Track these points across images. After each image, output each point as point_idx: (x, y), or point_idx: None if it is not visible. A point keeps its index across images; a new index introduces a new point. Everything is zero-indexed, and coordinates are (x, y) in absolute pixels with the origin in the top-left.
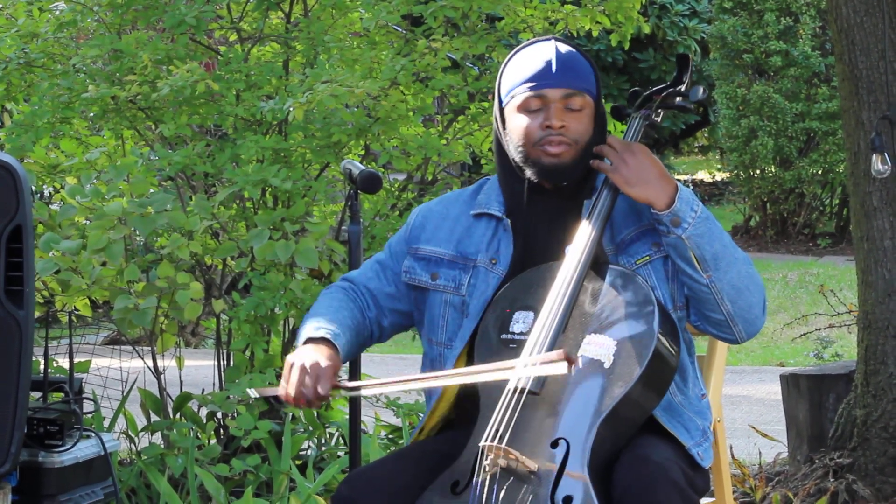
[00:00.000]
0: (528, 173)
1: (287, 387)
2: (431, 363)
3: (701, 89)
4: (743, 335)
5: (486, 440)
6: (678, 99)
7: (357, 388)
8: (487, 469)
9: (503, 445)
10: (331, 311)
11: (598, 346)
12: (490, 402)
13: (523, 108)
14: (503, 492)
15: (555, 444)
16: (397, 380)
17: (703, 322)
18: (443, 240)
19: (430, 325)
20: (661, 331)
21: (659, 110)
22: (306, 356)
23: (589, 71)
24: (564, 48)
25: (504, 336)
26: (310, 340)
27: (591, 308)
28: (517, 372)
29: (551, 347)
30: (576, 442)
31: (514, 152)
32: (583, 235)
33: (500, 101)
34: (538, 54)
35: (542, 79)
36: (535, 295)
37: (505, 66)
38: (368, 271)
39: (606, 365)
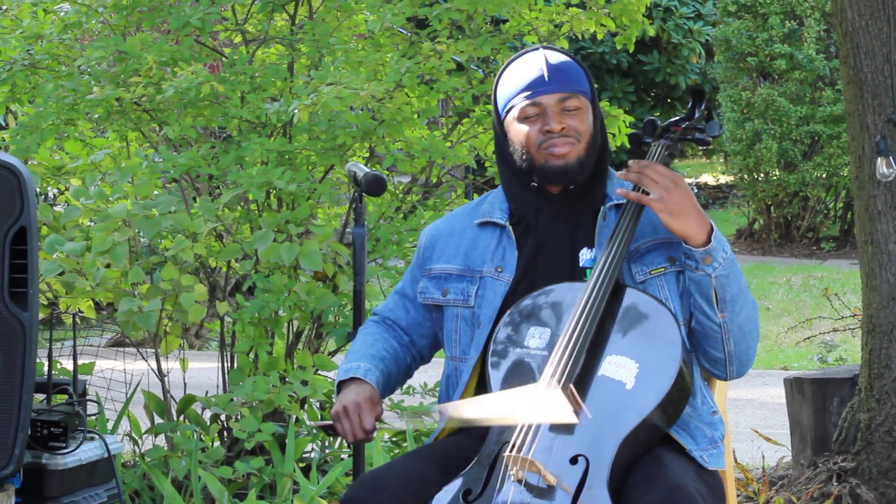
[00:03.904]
0: (537, 178)
1: (340, 432)
2: (447, 379)
3: (718, 125)
4: (734, 374)
5: (511, 451)
6: (697, 133)
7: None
8: (511, 479)
9: (529, 457)
10: (364, 347)
11: (620, 368)
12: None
13: (522, 117)
14: None
15: (574, 461)
16: (441, 412)
17: (700, 356)
18: (451, 255)
19: (446, 342)
20: (685, 356)
21: (678, 143)
22: (343, 399)
23: (580, 73)
24: (554, 55)
25: (519, 350)
26: (341, 384)
27: (611, 328)
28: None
29: (573, 371)
30: (595, 460)
31: (520, 160)
32: (605, 260)
33: (499, 114)
34: (529, 64)
35: (536, 86)
36: (553, 313)
37: (498, 79)
38: (390, 303)
39: (628, 387)
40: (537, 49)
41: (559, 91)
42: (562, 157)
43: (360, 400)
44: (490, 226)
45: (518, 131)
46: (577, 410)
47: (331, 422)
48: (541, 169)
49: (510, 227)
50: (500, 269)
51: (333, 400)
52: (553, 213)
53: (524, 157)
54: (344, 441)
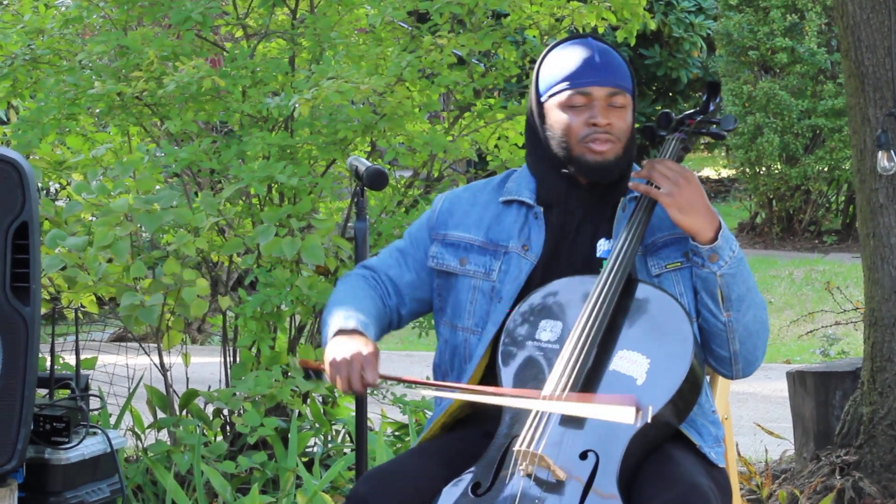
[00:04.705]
0: (572, 169)
1: (336, 381)
2: (454, 349)
3: (733, 118)
4: (740, 374)
5: (520, 445)
6: (713, 127)
7: (402, 380)
8: (520, 474)
9: (539, 452)
10: (355, 301)
11: (631, 363)
12: (513, 407)
13: (567, 105)
14: (530, 499)
15: (584, 456)
16: (448, 385)
17: (707, 354)
18: (472, 226)
19: (454, 311)
20: (696, 351)
21: (693, 137)
22: (346, 348)
23: (626, 69)
24: (603, 46)
25: (531, 343)
26: (341, 332)
27: (623, 323)
28: (579, 409)
29: (585, 366)
30: (605, 455)
31: (558, 148)
32: (618, 253)
33: (539, 96)
34: (579, 51)
35: (586, 76)
36: (565, 306)
37: (542, 60)
38: (388, 259)
39: (639, 382)
40: (585, 38)
41: (609, 84)
42: (600, 154)
43: (366, 353)
44: (516, 204)
45: (560, 118)
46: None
47: (321, 365)
48: (577, 160)
49: (539, 208)
50: (526, 248)
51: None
52: (580, 202)
53: (563, 145)
54: (349, 435)
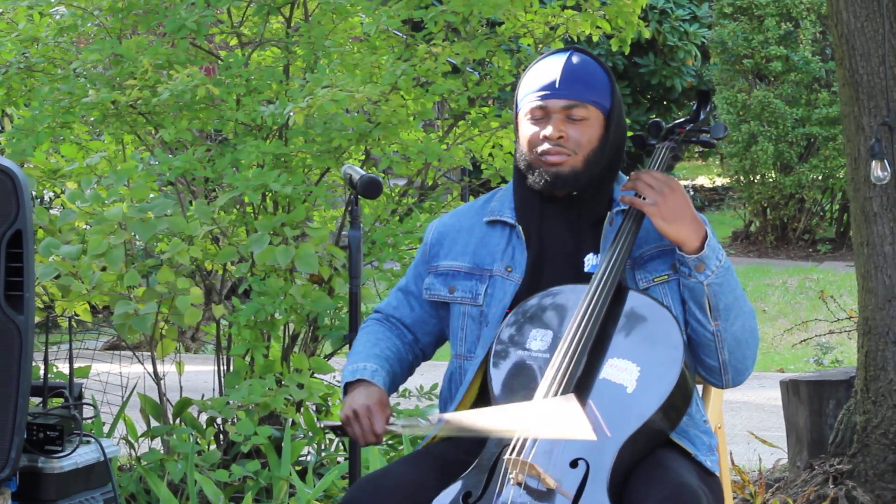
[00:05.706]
0: (531, 181)
1: (351, 435)
2: (451, 376)
3: (723, 126)
4: (729, 383)
5: (511, 454)
6: (702, 135)
7: (410, 425)
8: (511, 482)
9: (529, 461)
10: (367, 347)
11: (621, 371)
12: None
13: (529, 118)
14: None
15: (574, 464)
16: (445, 423)
17: (696, 364)
18: (459, 253)
19: (452, 339)
20: (687, 359)
21: (683, 145)
22: (353, 402)
23: (601, 82)
24: (578, 59)
25: (521, 352)
26: (348, 386)
27: (613, 331)
28: (534, 428)
29: (574, 375)
30: (596, 463)
31: (520, 160)
32: (607, 263)
33: (517, 110)
34: (550, 66)
35: (547, 90)
36: (556, 315)
37: (523, 75)
38: (393, 300)
39: (629, 390)
40: (566, 51)
41: (567, 98)
42: (553, 167)
43: (370, 403)
44: (499, 224)
45: (523, 131)
46: (597, 427)
47: (340, 423)
48: (535, 172)
49: (520, 227)
50: (509, 269)
51: (340, 400)
52: (557, 216)
53: (524, 157)
54: (342, 444)
